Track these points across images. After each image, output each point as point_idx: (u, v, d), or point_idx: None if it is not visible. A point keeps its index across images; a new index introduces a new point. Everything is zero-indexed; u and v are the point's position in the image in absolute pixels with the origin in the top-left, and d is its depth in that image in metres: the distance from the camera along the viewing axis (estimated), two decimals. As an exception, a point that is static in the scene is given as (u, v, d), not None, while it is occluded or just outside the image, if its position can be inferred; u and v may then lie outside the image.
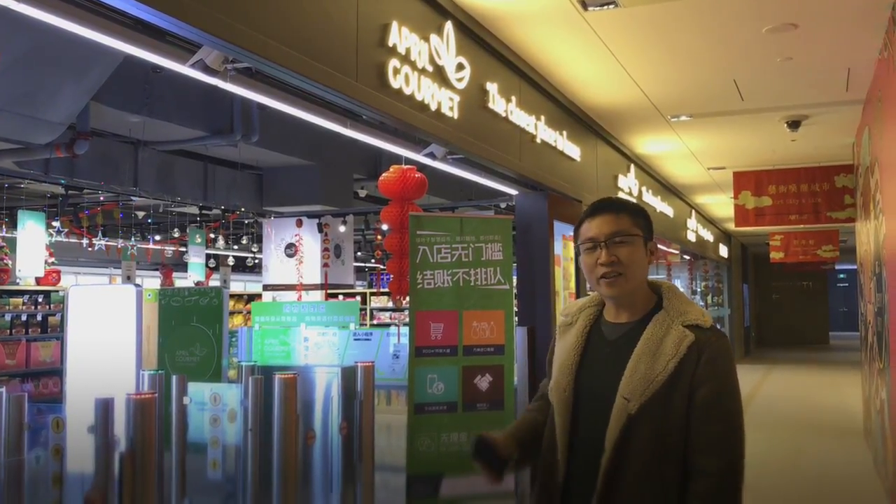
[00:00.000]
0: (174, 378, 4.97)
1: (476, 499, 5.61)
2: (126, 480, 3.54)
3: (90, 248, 12.47)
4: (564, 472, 2.15)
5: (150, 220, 12.12)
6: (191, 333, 5.96)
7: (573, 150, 6.75)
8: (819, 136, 8.55)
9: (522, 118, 5.54)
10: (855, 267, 30.63)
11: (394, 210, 5.56)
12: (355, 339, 6.49)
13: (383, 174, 5.57)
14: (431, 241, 5.57)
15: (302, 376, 5.99)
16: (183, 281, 13.48)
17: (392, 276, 5.62)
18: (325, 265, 11.17)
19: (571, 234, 6.76)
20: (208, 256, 12.40)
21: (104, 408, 3.49)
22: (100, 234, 12.16)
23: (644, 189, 10.11)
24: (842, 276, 32.22)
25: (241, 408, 4.81)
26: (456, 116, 4.59)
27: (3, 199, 9.59)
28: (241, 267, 18.04)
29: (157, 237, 12.97)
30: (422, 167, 5.80)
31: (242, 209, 11.21)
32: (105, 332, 5.27)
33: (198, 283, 11.79)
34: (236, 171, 12.13)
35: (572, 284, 6.68)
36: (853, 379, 11.34)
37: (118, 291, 5.28)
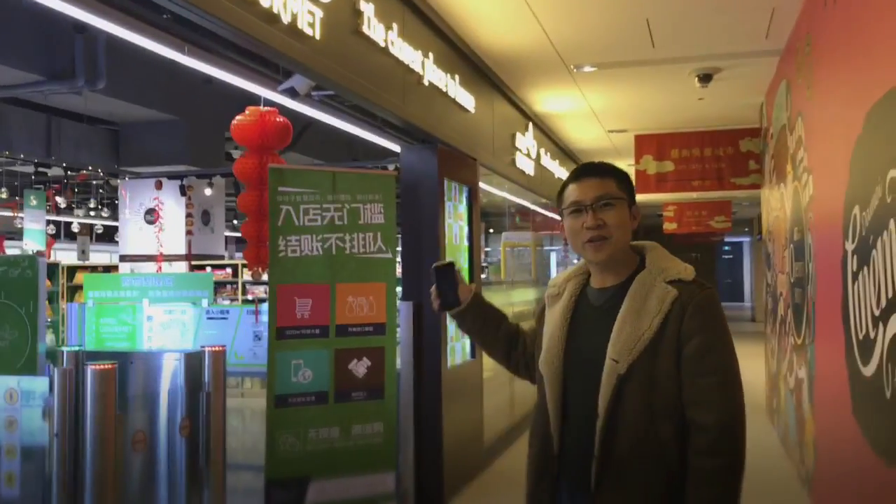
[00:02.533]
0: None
1: (350, 503, 4.88)
2: None
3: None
4: (559, 443, 2.19)
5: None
6: (-2, 312, 4.92)
7: (467, 100, 6.03)
8: (728, 95, 8.19)
9: (407, 52, 4.76)
10: (743, 239, 31.60)
11: (250, 161, 4.72)
12: (209, 318, 5.59)
13: (237, 117, 4.68)
14: (297, 200, 4.74)
15: (131, 364, 5.06)
16: (15, 251, 12.04)
17: (249, 241, 4.75)
18: (188, 233, 10.09)
19: (463, 194, 6.05)
20: (50, 223, 11.06)
21: None
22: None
23: (542, 151, 9.56)
24: (726, 248, 33.22)
25: (46, 407, 3.88)
26: (318, 37, 3.77)
27: None
28: (108, 237, 16.53)
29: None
30: (292, 117, 4.94)
31: (90, 168, 9.95)
32: None
33: (38, 254, 10.45)
34: (86, 126, 10.82)
35: (465, 255, 6.00)
36: (746, 351, 11.28)
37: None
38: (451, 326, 5.58)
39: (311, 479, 4.78)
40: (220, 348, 4.83)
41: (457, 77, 5.76)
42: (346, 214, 4.88)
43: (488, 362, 6.68)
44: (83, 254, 15.66)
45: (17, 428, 3.96)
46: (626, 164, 13.22)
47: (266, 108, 4.73)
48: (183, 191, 10.97)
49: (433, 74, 5.22)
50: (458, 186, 5.85)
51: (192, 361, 4.70)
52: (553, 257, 12.50)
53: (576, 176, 2.23)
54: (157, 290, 5.96)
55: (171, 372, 4.73)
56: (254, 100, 4.80)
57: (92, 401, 3.70)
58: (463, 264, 5.93)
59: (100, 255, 18.86)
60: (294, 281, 4.75)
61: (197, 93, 9.71)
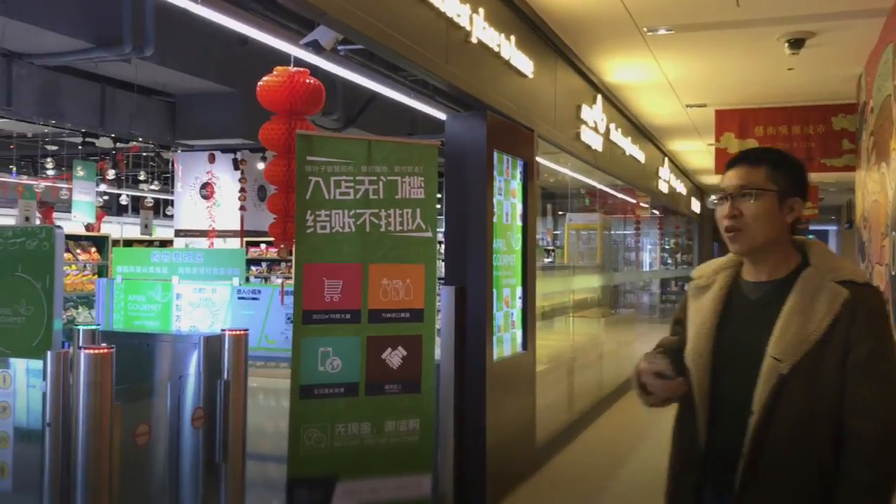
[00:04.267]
0: (-56, 349, 3.70)
1: (382, 506, 4.48)
2: None
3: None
4: (706, 438, 2.16)
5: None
6: (15, 286, 4.66)
7: (524, 63, 5.50)
8: (821, 64, 7.43)
9: (451, 4, 4.27)
10: (829, 228, 30.12)
11: (277, 127, 4.31)
12: (240, 298, 5.23)
13: (263, 78, 4.27)
14: (327, 171, 4.33)
15: (147, 346, 4.76)
16: (66, 223, 12.04)
17: (276, 216, 4.36)
18: (241, 208, 9.83)
19: (517, 169, 5.53)
20: (105, 195, 10.99)
21: None
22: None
23: (613, 127, 8.95)
24: (810, 237, 31.75)
25: (41, 393, 3.56)
26: (344, -20, 3.31)
27: None
28: (157, 211, 16.57)
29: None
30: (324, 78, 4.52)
31: (140, 139, 9.78)
32: None
33: (88, 227, 10.40)
34: (142, 97, 10.67)
35: (517, 236, 5.50)
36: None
37: None
38: (499, 314, 5.10)
39: (338, 478, 4.41)
40: (243, 332, 4.47)
41: (512, 38, 5.24)
42: (381, 188, 4.45)
43: (542, 354, 6.18)
44: (146, 228, 15.75)
45: (9, 414, 3.66)
46: (706, 145, 12.45)
47: (296, 69, 4.30)
48: (236, 165, 10.73)
49: (484, 32, 4.72)
50: (511, 160, 5.35)
51: (212, 346, 4.36)
52: (625, 243, 11.89)
53: (731, 162, 2.20)
54: (186, 267, 5.65)
55: (187, 357, 4.40)
56: (313, 72, 4.42)
57: (85, 389, 3.37)
58: (515, 246, 5.44)
59: (162, 231, 19.01)
60: (322, 260, 4.35)
61: (252, 64, 9.43)
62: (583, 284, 8.42)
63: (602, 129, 8.40)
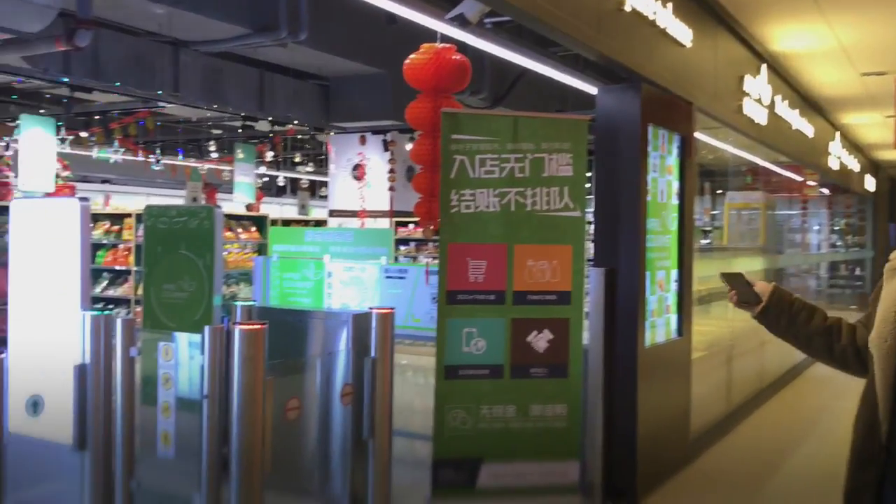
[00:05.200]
0: (118, 323, 3.95)
1: (528, 492, 4.42)
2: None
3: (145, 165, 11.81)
4: (888, 431, 2.06)
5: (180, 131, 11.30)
6: (178, 263, 4.92)
7: (681, 32, 5.21)
8: None
9: (603, -28, 4.08)
10: None
11: (423, 105, 4.29)
12: (388, 277, 5.29)
13: (410, 56, 4.26)
14: (472, 149, 4.28)
15: (300, 323, 4.89)
16: (228, 204, 12.67)
17: (421, 195, 4.35)
18: (390, 188, 10.02)
19: (673, 144, 5.26)
20: (264, 177, 11.48)
21: None
22: (157, 150, 11.47)
23: (778, 99, 8.39)
24: None
25: (200, 366, 3.74)
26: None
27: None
28: (311, 192, 17.18)
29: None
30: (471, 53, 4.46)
31: (295, 122, 10.12)
32: (47, 258, 4.26)
33: (248, 207, 10.92)
34: (298, 81, 11.06)
35: (673, 215, 5.23)
36: None
37: (61, 207, 4.22)
38: (653, 298, 4.89)
39: (483, 460, 4.39)
40: (389, 310, 4.51)
41: (669, 5, 4.96)
42: (528, 166, 4.35)
43: (699, 341, 5.88)
44: (303, 208, 16.40)
45: (171, 385, 3.86)
46: (883, 117, 11.46)
47: (442, 45, 4.26)
48: (386, 146, 10.92)
49: (637, 0, 4.49)
50: (667, 135, 5.09)
51: (360, 323, 4.43)
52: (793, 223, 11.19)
53: None
54: (337, 246, 5.78)
55: (337, 334, 4.49)
56: (461, 51, 4.38)
57: (239, 363, 3.49)
58: (670, 226, 5.18)
59: (318, 211, 19.74)
60: (467, 240, 4.31)
61: (401, 44, 9.54)
62: (744, 267, 7.95)
63: (766, 102, 7.87)
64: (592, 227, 4.95)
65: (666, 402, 5.09)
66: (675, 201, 5.29)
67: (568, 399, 4.48)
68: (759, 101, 7.60)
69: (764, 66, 7.74)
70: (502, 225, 4.32)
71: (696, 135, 5.78)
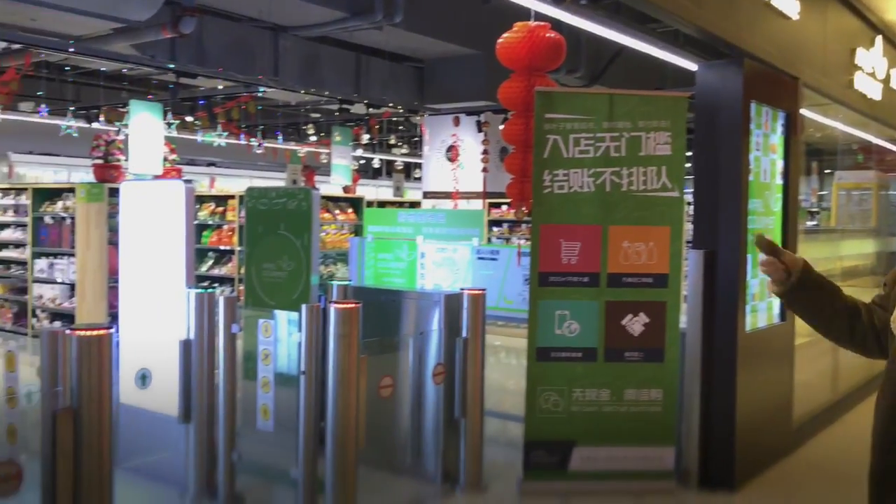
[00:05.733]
0: (221, 300, 4.09)
1: (621, 476, 4.36)
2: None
3: (248, 149, 12.16)
4: None
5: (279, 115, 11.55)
6: (278, 243, 5.08)
7: (787, 3, 4.98)
8: None
9: (703, -57, 3.93)
10: None
11: (516, 84, 4.25)
12: (479, 258, 5.30)
13: (503, 35, 4.22)
14: (566, 128, 4.22)
15: (392, 302, 4.95)
16: (326, 186, 12.89)
17: (513, 176, 4.32)
18: (484, 170, 9.99)
19: (777, 122, 5.05)
20: (356, 159, 11.64)
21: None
22: (258, 133, 11.80)
23: (894, 72, 7.89)
24: None
25: (297, 343, 3.84)
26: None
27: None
28: (406, 173, 17.33)
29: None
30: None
31: (390, 105, 10.21)
32: (155, 238, 4.46)
33: (345, 189, 11.11)
34: (393, 63, 11.14)
35: (776, 196, 5.03)
36: None
37: (167, 189, 4.40)
38: (754, 282, 4.71)
39: (575, 443, 4.36)
40: (480, 291, 4.52)
41: (775, -24, 4.75)
42: (624, 145, 4.26)
43: (803, 326, 5.64)
44: (397, 190, 16.58)
45: (270, 361, 3.98)
46: None
47: (536, 23, 4.20)
48: (479, 127, 10.89)
49: (741, -28, 4.32)
50: (771, 112, 4.88)
51: (452, 304, 4.46)
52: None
53: None
54: (429, 227, 5.82)
55: (429, 314, 4.53)
56: (557, 30, 4.33)
57: (335, 341, 3.57)
58: (773, 207, 4.98)
59: (413, 193, 19.91)
60: (560, 221, 4.27)
61: (495, 24, 9.48)
62: (853, 250, 7.58)
63: (881, 76, 7.44)
64: (691, 207, 4.80)
65: (767, 389, 4.91)
66: (779, 181, 5.08)
67: (664, 384, 4.39)
68: (872, 74, 7.19)
69: (879, 38, 7.31)
70: (597, 206, 4.25)
71: (803, 111, 5.51)
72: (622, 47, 5.21)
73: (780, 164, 5.07)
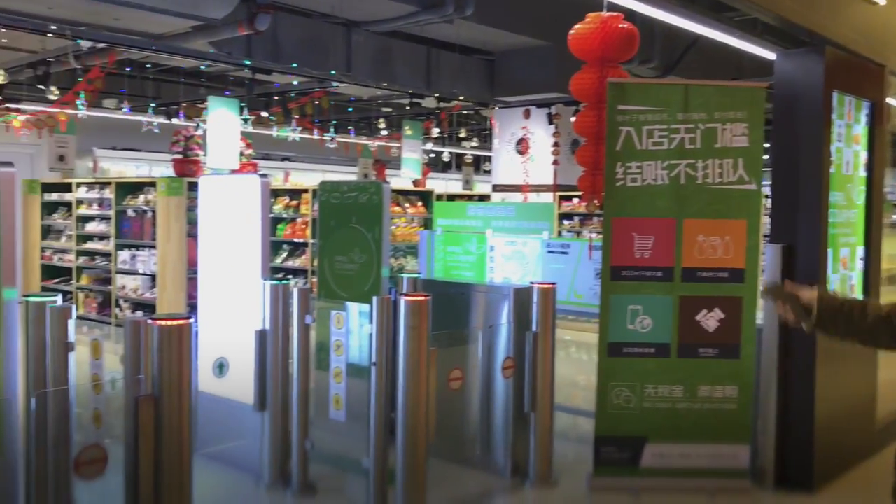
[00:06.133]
0: (295, 292, 4.17)
1: (694, 474, 4.29)
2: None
3: (321, 144, 12.35)
4: None
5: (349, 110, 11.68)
6: (350, 236, 5.15)
7: (874, -12, 4.78)
8: None
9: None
10: None
11: (588, 76, 4.20)
12: (549, 252, 5.27)
13: (575, 26, 4.17)
14: (639, 120, 4.15)
15: (462, 296, 4.95)
16: (396, 180, 12.98)
17: (585, 168, 4.28)
18: (554, 163, 9.91)
19: (861, 112, 4.86)
20: (426, 153, 11.69)
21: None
22: (331, 129, 11.97)
23: None
24: None
25: (368, 335, 3.89)
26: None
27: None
28: (475, 166, 17.31)
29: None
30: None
31: (461, 98, 10.23)
32: (231, 231, 4.57)
33: (414, 182, 11.18)
34: (464, 57, 11.15)
35: (860, 189, 4.84)
36: None
37: (243, 183, 4.50)
38: (835, 277, 4.55)
39: (647, 440, 4.30)
40: (551, 285, 4.49)
41: (860, -41, 4.56)
42: (699, 136, 4.17)
43: (888, 323, 5.42)
44: (467, 183, 16.61)
45: (342, 352, 4.04)
46: None
47: (609, 14, 4.14)
48: (550, 119, 10.81)
49: (824, -44, 4.16)
50: (855, 101, 4.69)
51: (521, 297, 4.44)
52: None
53: None
54: (499, 220, 5.82)
55: (498, 307, 4.52)
56: (630, 20, 4.26)
57: (404, 333, 3.60)
58: (856, 200, 4.79)
59: (482, 186, 19.91)
60: (633, 214, 4.20)
61: (567, 15, 9.38)
62: (942, 245, 7.26)
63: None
64: (769, 200, 4.66)
65: (848, 387, 4.75)
66: (862, 173, 4.89)
67: (739, 381, 4.29)
68: (965, 61, 6.84)
69: (972, 23, 6.96)
70: (671, 198, 4.17)
71: (890, 101, 5.29)
72: (697, 37, 5.09)
73: (863, 156, 4.88)
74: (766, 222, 5.24)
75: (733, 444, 4.32)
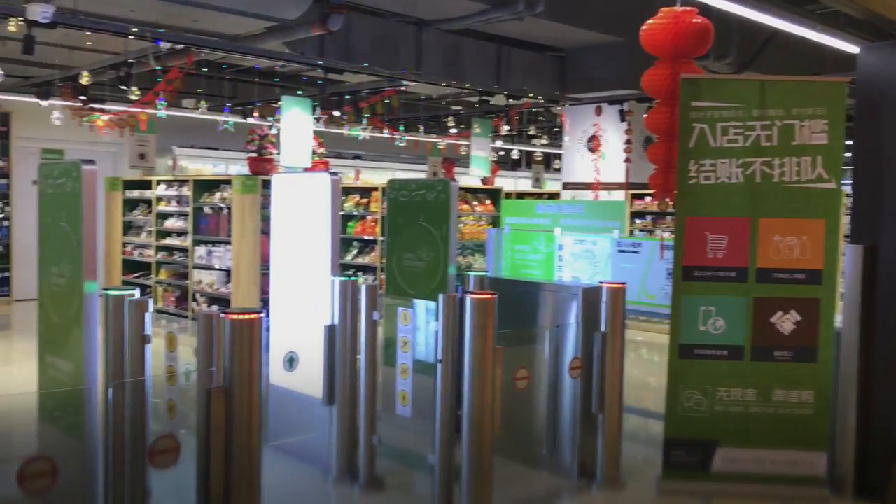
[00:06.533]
0: (363, 288, 4.21)
1: (768, 480, 4.16)
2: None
3: (391, 142, 12.46)
4: None
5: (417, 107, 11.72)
6: (417, 234, 5.19)
7: (967, -23, 4.54)
8: None
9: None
10: None
11: (661, 72, 4.12)
12: (620, 251, 5.20)
13: (648, 21, 4.10)
14: (713, 117, 4.05)
15: (521, 295, 4.91)
16: (465, 178, 12.97)
17: (657, 166, 4.20)
18: (626, 160, 9.76)
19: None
20: (495, 151, 11.66)
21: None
22: (400, 127, 12.07)
23: None
24: None
25: (434, 332, 3.90)
26: None
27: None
28: (545, 164, 17.18)
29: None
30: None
31: (531, 95, 10.17)
32: (302, 228, 4.64)
33: (483, 180, 11.16)
34: (534, 53, 11.08)
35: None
36: None
37: (313, 181, 4.56)
38: (921, 279, 4.37)
39: (718, 444, 4.20)
40: (621, 285, 4.43)
41: (952, -53, 4.34)
42: (775, 133, 4.04)
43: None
44: (536, 181, 16.51)
45: (409, 349, 4.06)
46: None
47: (682, 8, 4.06)
48: (622, 116, 10.65)
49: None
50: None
51: (590, 297, 4.39)
52: None
53: None
54: (568, 218, 5.77)
55: (567, 307, 4.48)
56: (705, 14, 4.17)
57: (470, 331, 3.60)
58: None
59: (552, 184, 19.75)
60: (706, 213, 4.10)
61: (640, 10, 9.23)
62: None
63: None
64: (850, 200, 4.50)
65: (935, 396, 4.56)
66: (952, 171, 4.68)
67: (816, 385, 4.14)
68: None
69: None
70: (746, 197, 4.06)
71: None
72: (776, 31, 4.93)
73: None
74: (845, 222, 5.07)
75: (810, 451, 4.18)
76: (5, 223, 11.24)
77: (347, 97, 10.13)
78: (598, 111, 11.04)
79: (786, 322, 4.12)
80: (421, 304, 4.59)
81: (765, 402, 4.18)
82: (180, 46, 7.53)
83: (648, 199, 11.02)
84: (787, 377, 4.15)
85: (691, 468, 4.22)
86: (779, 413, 4.18)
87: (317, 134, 9.41)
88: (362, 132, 11.18)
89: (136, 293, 3.38)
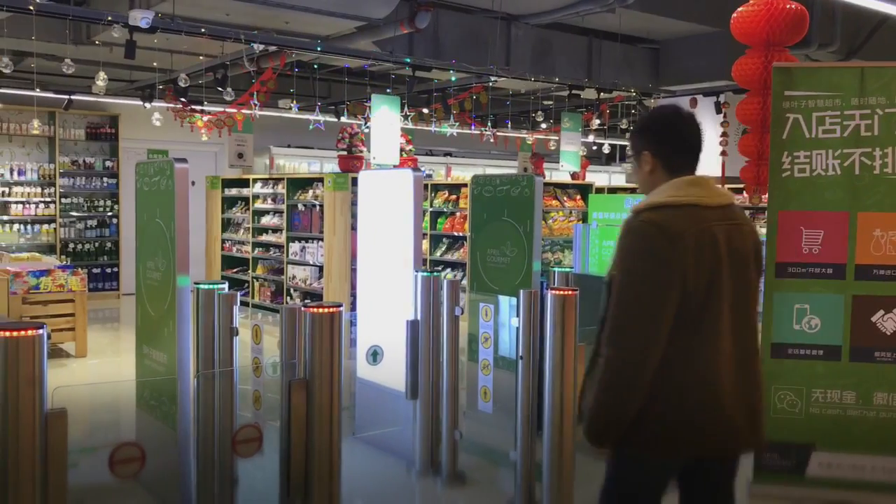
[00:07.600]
0: (445, 284, 4.23)
1: (867, 487, 3.98)
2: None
3: (482, 139, 12.46)
4: None
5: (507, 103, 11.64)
6: (501, 230, 5.19)
7: None
8: None
9: None
10: None
11: (752, 61, 3.98)
12: (711, 246, 5.04)
13: (739, 8, 3.98)
14: (808, 106, 3.90)
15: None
16: (555, 173, 12.81)
17: (748, 158, 4.06)
18: (722, 153, 9.45)
19: None
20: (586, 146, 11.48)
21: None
22: (489, 123, 12.06)
23: None
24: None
25: (514, 328, 3.89)
26: None
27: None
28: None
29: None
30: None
31: (622, 88, 9.99)
32: (387, 223, 4.71)
33: (573, 176, 11.01)
34: (627, 46, 10.89)
35: None
36: None
37: (397, 177, 4.62)
38: None
39: (813, 447, 4.03)
40: (709, 282, 4.29)
41: None
42: (876, 123, 3.85)
43: None
44: (630, 176, 16.22)
45: (490, 344, 4.06)
46: None
47: (776, -6, 3.91)
48: (718, 108, 10.33)
49: None
50: None
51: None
52: None
53: None
54: (656, 214, 5.64)
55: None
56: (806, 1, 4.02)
57: (551, 327, 3.57)
58: None
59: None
60: (800, 207, 3.95)
61: (736, -1, 8.96)
62: None
63: None
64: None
65: None
66: None
67: (920, 388, 3.93)
68: None
69: None
70: (843, 190, 3.88)
71: None
72: (885, 17, 4.69)
73: None
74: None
75: (914, 458, 3.97)
76: (114, 221, 11.84)
77: (436, 94, 10.20)
78: (693, 103, 10.73)
79: (888, 321, 3.92)
80: (505, 300, 4.58)
81: (864, 405, 3.99)
82: (273, 48, 7.74)
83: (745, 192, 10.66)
84: (889, 379, 3.95)
85: (784, 472, 4.06)
86: (879, 417, 3.98)
87: (405, 131, 9.51)
88: (450, 129, 11.23)
89: (226, 287, 3.50)
